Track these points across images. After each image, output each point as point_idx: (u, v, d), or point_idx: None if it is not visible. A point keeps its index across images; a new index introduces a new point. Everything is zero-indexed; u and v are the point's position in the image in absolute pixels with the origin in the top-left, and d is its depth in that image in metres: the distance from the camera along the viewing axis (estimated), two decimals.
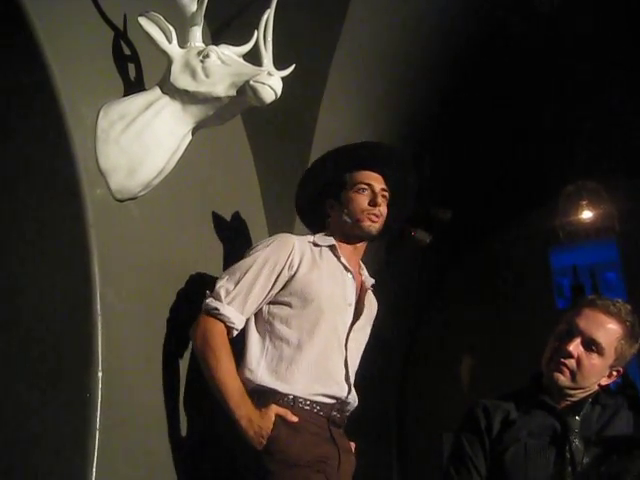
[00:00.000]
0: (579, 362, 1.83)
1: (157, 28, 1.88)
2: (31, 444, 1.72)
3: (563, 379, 1.84)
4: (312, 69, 2.66)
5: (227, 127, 2.25)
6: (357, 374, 2.05)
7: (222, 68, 1.87)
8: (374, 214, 2.08)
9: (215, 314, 1.89)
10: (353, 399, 2.03)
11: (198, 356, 1.90)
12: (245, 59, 1.96)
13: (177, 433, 1.99)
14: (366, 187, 2.10)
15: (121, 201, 1.91)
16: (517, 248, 5.07)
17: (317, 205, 2.21)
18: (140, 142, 1.86)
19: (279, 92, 1.81)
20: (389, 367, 4.93)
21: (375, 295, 2.25)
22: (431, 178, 3.82)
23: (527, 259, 5.05)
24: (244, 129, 2.78)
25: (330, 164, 2.15)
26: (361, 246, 2.17)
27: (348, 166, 2.13)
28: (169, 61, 1.91)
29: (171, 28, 1.90)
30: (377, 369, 4.32)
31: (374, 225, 2.09)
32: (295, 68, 2.01)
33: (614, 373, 1.89)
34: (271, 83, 1.78)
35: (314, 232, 2.20)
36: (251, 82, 1.79)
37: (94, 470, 1.63)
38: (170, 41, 1.90)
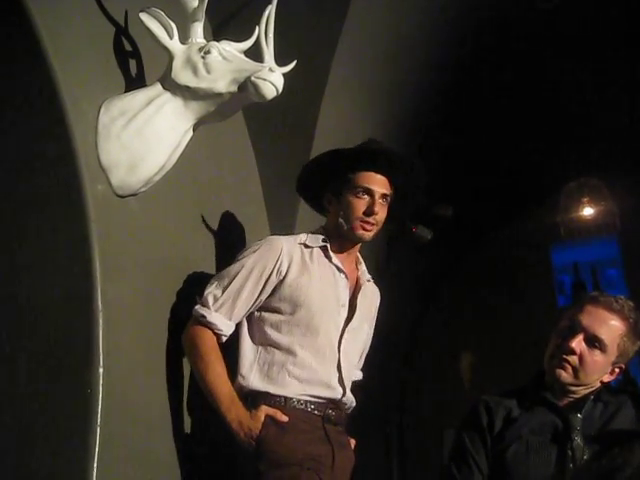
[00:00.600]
0: (581, 359, 1.82)
1: (158, 24, 1.88)
2: (32, 441, 1.72)
3: (565, 376, 1.83)
4: (313, 65, 2.65)
5: (228, 123, 2.25)
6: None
7: (223, 64, 1.87)
8: (368, 222, 2.03)
9: (203, 321, 1.90)
10: (349, 400, 2.02)
11: (189, 363, 1.93)
12: (246, 55, 1.96)
13: (178, 429, 1.99)
14: (365, 192, 2.02)
15: (122, 197, 1.90)
16: (518, 245, 5.06)
17: (318, 193, 2.18)
18: (141, 138, 1.86)
19: (280, 88, 1.81)
20: (390, 365, 4.94)
21: (379, 291, 2.24)
22: (432, 175, 3.82)
23: (528, 256, 5.04)
24: (245, 125, 2.78)
25: (337, 160, 2.09)
26: (356, 245, 2.14)
27: (353, 165, 2.06)
28: (170, 57, 1.90)
29: (172, 24, 1.89)
30: (378, 367, 4.32)
31: (367, 233, 2.04)
32: (296, 64, 2.00)
33: (616, 370, 1.88)
34: (272, 79, 1.78)
35: (317, 211, 2.20)
36: (252, 78, 1.78)
37: (95, 466, 1.63)
38: (171, 37, 1.90)
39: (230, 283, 1.93)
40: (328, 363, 1.98)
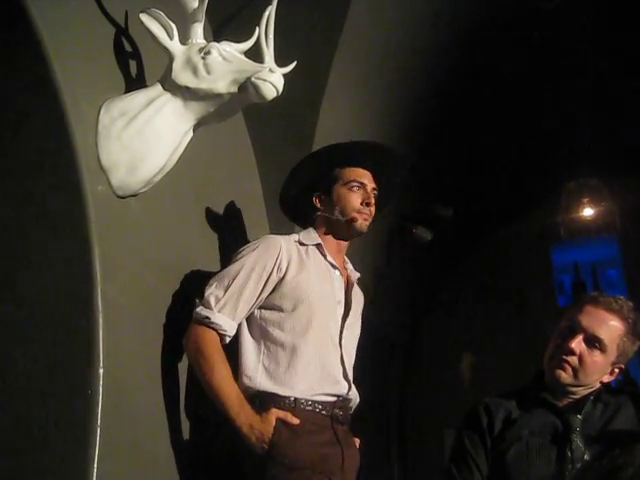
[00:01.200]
0: (581, 359, 1.82)
1: (158, 25, 1.88)
2: (31, 441, 1.72)
3: (565, 376, 1.83)
4: (313, 66, 2.65)
5: (228, 124, 2.25)
6: (358, 372, 2.05)
7: (223, 65, 1.87)
8: (365, 213, 2.08)
9: (206, 322, 1.88)
10: (354, 395, 2.03)
11: (193, 366, 1.90)
12: (246, 56, 1.96)
13: (178, 430, 1.99)
14: (359, 185, 2.09)
15: (122, 197, 1.91)
16: (518, 245, 5.06)
17: (303, 198, 2.19)
18: (141, 139, 1.86)
19: (280, 89, 1.81)
20: (390, 364, 4.94)
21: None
22: (432, 175, 3.83)
23: (528, 256, 5.04)
24: (245, 126, 2.78)
25: (321, 158, 2.14)
26: (346, 242, 2.17)
27: (340, 161, 2.12)
28: (170, 58, 1.90)
29: (172, 25, 1.89)
30: (378, 366, 4.33)
31: (365, 224, 2.10)
32: (296, 65, 2.01)
33: (616, 370, 1.88)
34: (272, 80, 1.78)
35: (299, 225, 2.22)
36: (252, 79, 1.79)
37: (95, 466, 1.63)
38: (171, 38, 1.90)
39: (231, 283, 1.92)
40: (332, 358, 1.99)
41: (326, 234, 2.13)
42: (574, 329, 1.85)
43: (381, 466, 4.68)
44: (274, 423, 1.81)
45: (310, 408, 1.89)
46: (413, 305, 5.07)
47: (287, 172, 2.20)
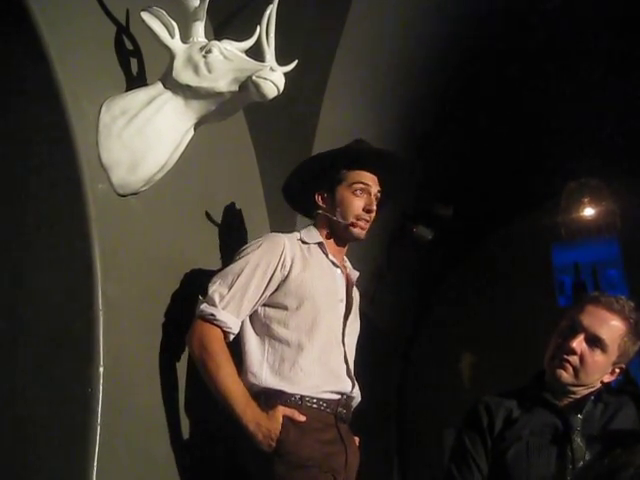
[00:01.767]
0: (582, 359, 1.82)
1: (159, 23, 1.88)
2: (32, 440, 1.72)
3: (566, 376, 1.83)
4: (314, 65, 2.65)
5: (229, 123, 2.25)
6: (358, 371, 2.05)
7: (224, 63, 1.87)
8: (366, 220, 2.08)
9: (211, 319, 1.87)
10: (357, 393, 2.03)
11: (197, 364, 1.89)
12: (247, 54, 1.96)
13: (178, 429, 1.99)
14: (363, 188, 2.08)
15: (123, 196, 1.91)
16: (519, 245, 5.06)
17: (306, 193, 2.18)
18: (142, 137, 1.86)
19: (281, 88, 1.80)
20: (390, 364, 4.94)
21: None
22: (433, 175, 3.83)
23: (529, 256, 5.04)
24: (246, 125, 2.78)
25: (328, 158, 2.13)
26: (347, 243, 2.18)
27: (346, 163, 2.10)
28: (171, 56, 1.90)
29: (173, 23, 1.89)
30: (378, 366, 4.32)
31: (363, 232, 2.09)
32: (297, 64, 2.01)
33: (617, 370, 1.88)
34: (273, 79, 1.78)
35: (300, 214, 2.24)
36: (253, 77, 1.78)
37: (95, 465, 1.63)
38: (172, 36, 1.90)
39: (235, 280, 1.91)
40: (336, 356, 1.99)
41: (325, 235, 2.13)
42: (575, 329, 1.85)
43: (381, 466, 4.68)
44: (281, 420, 1.81)
45: (315, 406, 1.89)
46: (413, 305, 5.07)
47: (288, 170, 2.20)
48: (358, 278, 2.21)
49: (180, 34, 1.91)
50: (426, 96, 3.45)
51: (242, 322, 1.96)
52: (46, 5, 1.75)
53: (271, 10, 1.98)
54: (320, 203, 2.14)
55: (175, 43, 1.90)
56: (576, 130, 4.21)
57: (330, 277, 2.08)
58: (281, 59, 1.97)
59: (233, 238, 2.46)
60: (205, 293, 1.92)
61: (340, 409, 1.95)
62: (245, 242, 2.18)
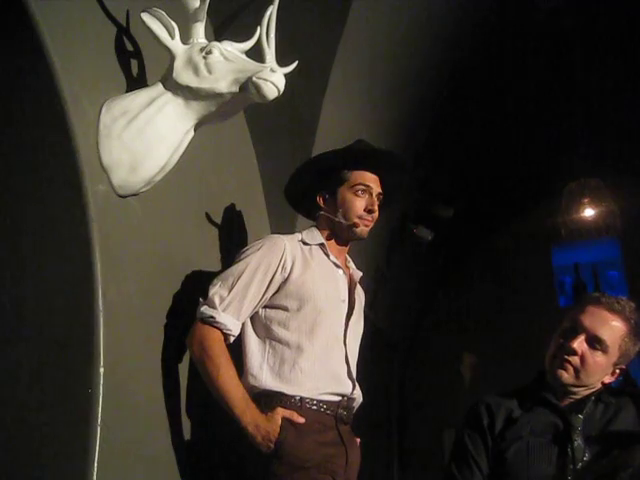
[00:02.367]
0: (583, 359, 1.82)
1: (160, 24, 1.88)
2: (32, 440, 1.72)
3: (567, 376, 1.83)
4: (315, 66, 2.65)
5: (230, 124, 2.26)
6: (358, 372, 2.05)
7: (225, 64, 1.87)
8: (368, 220, 2.08)
9: (211, 322, 1.88)
10: (358, 394, 2.03)
11: (197, 366, 1.89)
12: (248, 55, 1.96)
13: (178, 429, 1.99)
14: (365, 189, 2.08)
15: (123, 197, 1.91)
16: (519, 246, 5.07)
17: (308, 194, 2.18)
18: (142, 138, 1.86)
19: (282, 89, 1.80)
20: (390, 364, 4.94)
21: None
22: (433, 176, 3.83)
23: (529, 257, 5.05)
24: (247, 126, 2.78)
25: (330, 159, 2.13)
26: (349, 243, 2.18)
27: (348, 163, 2.11)
28: (172, 57, 1.90)
29: (174, 24, 1.89)
30: (378, 366, 4.33)
31: (366, 230, 2.10)
32: (298, 65, 2.01)
33: (617, 371, 1.88)
34: (274, 80, 1.78)
35: (302, 215, 2.24)
36: (254, 79, 1.78)
37: (95, 466, 1.63)
38: (173, 37, 1.90)
39: (236, 282, 1.91)
40: (337, 357, 1.99)
41: (327, 235, 2.13)
42: (576, 329, 1.85)
43: (381, 466, 4.68)
44: (280, 422, 1.81)
45: (315, 408, 1.89)
46: (413, 305, 5.07)
47: (288, 171, 2.20)
48: (361, 278, 2.21)
49: (180, 35, 1.91)
50: (426, 97, 3.46)
51: (243, 324, 1.96)
52: (47, 6, 1.75)
53: (271, 11, 1.98)
54: (321, 204, 2.14)
55: (175, 44, 1.90)
56: (576, 131, 4.22)
57: (332, 278, 2.07)
58: (281, 60, 1.97)
59: (233, 239, 2.46)
60: (205, 295, 1.93)
61: (341, 411, 1.95)
62: (245, 243, 2.18)
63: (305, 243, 2.09)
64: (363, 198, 2.07)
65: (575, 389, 1.85)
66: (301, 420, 1.83)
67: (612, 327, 1.83)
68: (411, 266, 4.46)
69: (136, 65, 2.06)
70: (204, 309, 1.89)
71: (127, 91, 1.98)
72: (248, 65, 1.87)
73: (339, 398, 1.95)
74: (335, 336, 2.01)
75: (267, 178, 2.83)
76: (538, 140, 4.24)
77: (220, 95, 1.86)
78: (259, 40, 1.97)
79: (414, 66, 3.20)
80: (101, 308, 1.74)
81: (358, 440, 2.05)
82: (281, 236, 2.07)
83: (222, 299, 1.90)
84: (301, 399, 1.87)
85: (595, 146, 4.34)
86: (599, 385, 1.87)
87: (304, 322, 1.95)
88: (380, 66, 3.03)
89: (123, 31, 2.03)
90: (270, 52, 1.96)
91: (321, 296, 1.99)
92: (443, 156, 4.01)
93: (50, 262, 1.82)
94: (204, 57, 1.86)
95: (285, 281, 1.98)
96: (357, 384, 2.02)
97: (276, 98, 1.81)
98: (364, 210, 2.07)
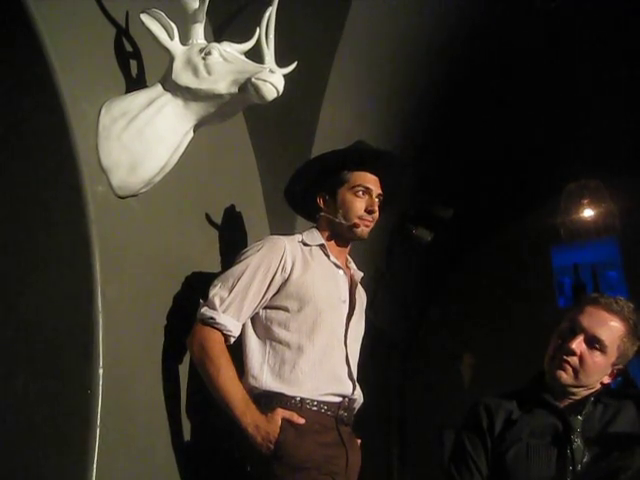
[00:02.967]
0: (582, 360, 1.82)
1: (159, 25, 1.88)
2: (32, 441, 1.72)
3: (566, 377, 1.83)
4: (314, 67, 2.65)
5: (229, 124, 2.26)
6: (358, 372, 2.05)
7: (224, 65, 1.87)
8: (369, 220, 2.09)
9: (211, 323, 1.88)
10: (359, 395, 2.03)
11: (197, 367, 1.89)
12: (247, 56, 1.96)
13: (178, 430, 1.99)
14: (365, 190, 2.08)
15: (122, 198, 1.91)
16: (518, 246, 5.06)
17: (308, 195, 2.19)
18: (142, 139, 1.86)
19: (281, 89, 1.80)
20: (390, 365, 4.94)
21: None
22: (433, 176, 3.83)
23: (528, 258, 5.05)
24: (246, 126, 2.78)
25: (330, 159, 2.13)
26: (349, 244, 2.18)
27: (348, 164, 2.11)
28: (171, 58, 1.90)
29: (173, 25, 1.89)
30: (378, 367, 4.33)
31: (367, 230, 2.10)
32: (297, 65, 2.01)
33: (615, 371, 1.88)
34: (273, 80, 1.78)
35: (302, 216, 2.25)
36: (253, 79, 1.78)
37: (95, 467, 1.63)
38: (172, 38, 1.90)
39: (236, 283, 1.92)
40: (337, 358, 1.99)
41: (327, 236, 2.13)
42: (574, 330, 1.85)
43: (381, 467, 4.68)
44: (280, 423, 1.81)
45: (316, 408, 1.89)
46: (413, 305, 5.07)
47: (287, 172, 2.20)
48: (362, 278, 2.21)
49: (180, 36, 1.92)
50: (426, 97, 3.46)
51: (243, 325, 1.96)
52: (46, 7, 1.75)
53: (270, 12, 1.98)
54: (322, 205, 2.14)
55: (175, 45, 1.90)
56: (576, 131, 4.22)
57: (332, 278, 2.08)
58: (280, 61, 1.97)
59: (232, 239, 2.46)
60: (206, 296, 1.93)
61: (341, 412, 1.95)
62: (245, 244, 2.18)
63: (305, 244, 2.09)
64: (363, 199, 2.08)
65: (574, 390, 1.85)
66: (301, 421, 1.83)
67: (611, 327, 1.83)
68: (411, 266, 4.46)
69: (135, 66, 2.07)
70: (204, 310, 1.90)
71: (126, 92, 1.98)
72: (247, 66, 1.87)
73: (340, 399, 1.95)
74: (336, 337, 2.01)
75: (266, 179, 2.83)
76: (537, 141, 4.24)
77: (219, 96, 1.86)
78: (258, 41, 1.98)
79: (413, 66, 3.20)
80: (100, 309, 1.74)
81: (359, 441, 2.05)
82: (281, 237, 2.07)
83: (222, 300, 1.90)
84: (301, 400, 1.87)
85: (595, 147, 4.34)
86: (598, 386, 1.87)
87: (304, 323, 1.95)
88: (379, 67, 3.03)
89: (122, 32, 2.03)
90: (269, 53, 1.96)
91: (321, 297, 1.99)
92: (442, 157, 4.01)
93: (49, 263, 1.82)
94: (203, 58, 1.87)
95: (285, 282, 1.98)
96: (358, 385, 2.02)
97: (275, 99, 1.81)
98: (364, 211, 2.07)
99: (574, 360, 1.83)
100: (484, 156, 4.22)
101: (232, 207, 2.52)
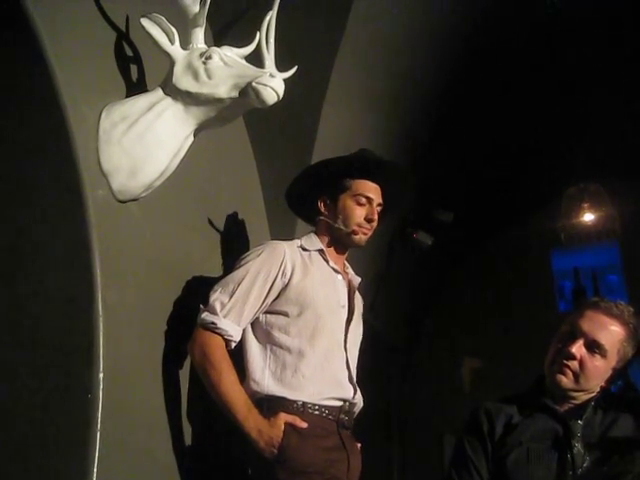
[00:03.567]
0: (582, 364, 1.82)
1: (159, 29, 1.88)
2: (32, 445, 1.72)
3: (566, 381, 1.83)
4: (314, 71, 2.65)
5: (229, 129, 2.26)
6: (358, 376, 2.06)
7: (224, 70, 1.87)
8: (367, 228, 2.11)
9: (212, 328, 1.88)
10: (359, 399, 2.04)
11: (199, 371, 1.89)
12: (247, 61, 1.96)
13: (178, 434, 1.99)
14: (366, 199, 2.10)
15: (123, 202, 1.91)
16: (518, 250, 5.05)
17: (309, 198, 2.20)
18: (142, 143, 1.86)
19: (281, 94, 1.81)
20: (390, 368, 4.93)
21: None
22: (433, 180, 3.83)
23: (528, 262, 5.04)
24: (246, 131, 2.78)
25: (335, 165, 2.14)
26: (347, 249, 2.19)
27: (352, 171, 2.12)
28: (171, 62, 1.91)
29: (173, 29, 1.90)
30: (378, 370, 4.32)
31: (365, 238, 2.12)
32: (297, 70, 2.01)
33: (614, 374, 1.88)
34: (273, 85, 1.78)
35: (301, 218, 2.28)
36: (253, 84, 1.78)
37: (95, 471, 1.63)
38: (172, 42, 1.90)
39: (236, 288, 1.92)
40: (338, 362, 2.00)
41: (327, 241, 2.15)
42: (574, 334, 1.85)
43: (381, 471, 4.67)
44: (283, 427, 1.81)
45: (317, 413, 1.90)
46: (413, 309, 5.07)
47: (288, 176, 2.21)
48: (360, 283, 2.21)
49: (180, 40, 1.92)
50: (426, 102, 3.46)
51: (243, 330, 1.96)
52: (46, 11, 1.75)
53: (271, 16, 1.98)
54: (322, 209, 2.15)
55: (175, 49, 1.91)
56: (576, 135, 4.22)
57: (331, 283, 2.08)
58: (281, 65, 1.97)
59: (232, 244, 2.46)
60: (206, 301, 1.93)
61: (342, 416, 1.96)
62: (245, 248, 2.18)
63: (304, 249, 2.10)
64: (363, 207, 2.10)
65: (575, 394, 1.85)
66: (304, 425, 1.84)
67: (611, 331, 1.83)
68: (411, 270, 4.46)
69: (136, 70, 2.07)
70: (205, 315, 1.90)
71: (127, 96, 1.98)
72: (248, 70, 1.87)
73: (340, 403, 1.96)
74: (336, 341, 2.02)
75: (267, 183, 2.83)
76: (538, 145, 4.24)
77: (220, 100, 1.86)
78: (258, 45, 1.98)
79: (414, 71, 3.21)
80: (101, 313, 1.74)
81: (359, 445, 2.06)
82: (281, 242, 2.08)
83: (223, 305, 1.90)
84: (303, 404, 1.88)
85: (595, 151, 4.34)
86: (598, 389, 1.86)
87: (305, 327, 1.96)
88: (380, 71, 3.03)
89: (123, 36, 2.04)
90: (269, 57, 1.97)
91: (321, 302, 1.99)
92: (443, 161, 4.01)
93: (50, 267, 1.82)
94: (204, 62, 1.87)
95: (285, 287, 1.98)
96: (358, 389, 2.02)
97: (275, 103, 1.81)
98: (364, 219, 2.09)
99: (574, 364, 1.82)
100: (485, 160, 4.22)
101: (232, 211, 2.52)
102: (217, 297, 1.91)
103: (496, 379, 4.32)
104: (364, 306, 2.29)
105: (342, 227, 2.09)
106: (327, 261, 2.11)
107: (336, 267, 2.12)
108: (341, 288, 2.11)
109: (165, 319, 2.02)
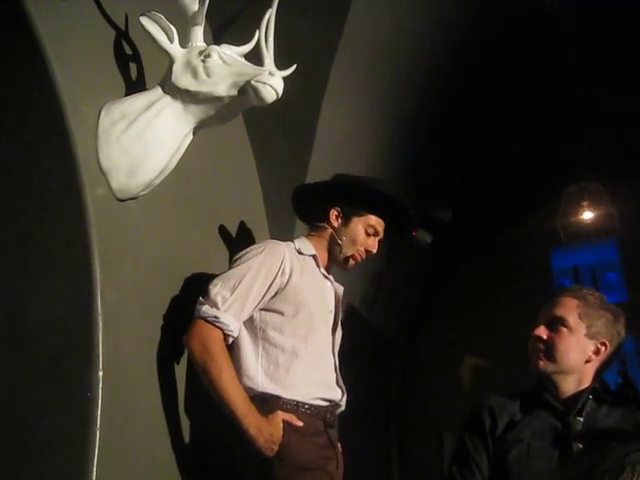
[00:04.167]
0: (551, 342, 1.86)
1: (158, 28, 1.88)
2: (31, 444, 1.72)
3: (543, 364, 1.86)
4: (313, 69, 2.65)
5: (228, 127, 2.25)
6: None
7: (223, 68, 1.87)
8: (362, 256, 2.18)
9: (213, 321, 1.87)
10: (344, 402, 2.07)
11: (197, 365, 1.87)
12: (246, 59, 1.96)
13: (177, 433, 1.99)
14: (374, 233, 2.17)
15: (122, 201, 1.91)
16: (518, 249, 5.05)
17: (319, 203, 2.22)
18: (141, 142, 1.86)
19: (280, 92, 1.81)
20: (389, 366, 4.93)
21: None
22: (433, 179, 3.83)
23: (528, 260, 5.04)
24: (245, 129, 2.78)
25: (363, 189, 2.19)
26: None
27: (375, 205, 2.16)
28: (170, 61, 1.90)
29: (172, 28, 1.89)
30: (377, 369, 4.32)
31: (354, 264, 2.19)
32: (296, 68, 2.01)
33: (600, 347, 1.87)
34: (272, 83, 1.78)
35: (301, 219, 2.33)
36: (252, 82, 1.78)
37: (94, 470, 1.63)
38: (171, 41, 1.90)
39: (238, 284, 1.92)
40: (328, 365, 2.03)
41: (321, 247, 2.18)
42: (539, 320, 1.92)
43: (381, 469, 4.68)
44: (281, 425, 1.83)
45: (309, 412, 1.92)
46: (412, 308, 5.07)
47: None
48: (343, 292, 2.24)
49: (179, 39, 1.92)
50: (425, 100, 3.45)
51: None
52: (45, 10, 1.75)
53: (270, 14, 1.98)
54: (332, 219, 2.18)
55: (174, 48, 1.91)
56: (575, 133, 4.22)
57: (322, 289, 2.13)
58: (280, 63, 1.97)
59: (231, 242, 2.46)
60: (205, 294, 1.92)
61: (328, 415, 1.99)
62: (244, 246, 2.18)
63: (300, 252, 2.13)
64: (369, 238, 2.16)
65: (561, 377, 1.86)
66: (300, 423, 1.86)
67: (564, 303, 1.89)
68: (410, 269, 4.46)
69: (135, 69, 2.07)
70: (206, 308, 1.89)
71: (126, 95, 1.98)
72: (247, 68, 1.87)
73: (327, 404, 1.99)
74: (327, 343, 2.06)
75: (266, 181, 2.82)
76: (537, 143, 4.24)
77: (219, 98, 1.86)
78: (258, 43, 1.98)
79: (414, 69, 3.20)
80: (100, 312, 1.74)
81: (339, 444, 2.07)
82: (280, 242, 2.10)
83: (224, 299, 1.90)
84: (297, 403, 1.90)
85: (594, 149, 4.34)
86: (584, 367, 1.86)
87: (299, 327, 1.98)
88: (379, 69, 3.03)
89: (122, 35, 2.03)
90: (269, 55, 1.96)
91: (315, 305, 2.04)
92: (442, 159, 4.01)
93: (49, 266, 1.82)
94: (203, 60, 1.87)
95: (283, 286, 2.00)
96: (345, 392, 2.05)
97: (275, 101, 1.81)
98: (364, 248, 2.16)
99: (543, 346, 1.87)
100: (484, 158, 4.22)
101: (231, 209, 2.52)
102: (218, 291, 1.91)
103: (496, 379, 4.33)
104: (362, 304, 2.32)
105: (343, 246, 2.15)
106: (319, 267, 2.15)
107: (326, 274, 2.16)
108: (329, 294, 2.15)
109: (164, 317, 2.02)
